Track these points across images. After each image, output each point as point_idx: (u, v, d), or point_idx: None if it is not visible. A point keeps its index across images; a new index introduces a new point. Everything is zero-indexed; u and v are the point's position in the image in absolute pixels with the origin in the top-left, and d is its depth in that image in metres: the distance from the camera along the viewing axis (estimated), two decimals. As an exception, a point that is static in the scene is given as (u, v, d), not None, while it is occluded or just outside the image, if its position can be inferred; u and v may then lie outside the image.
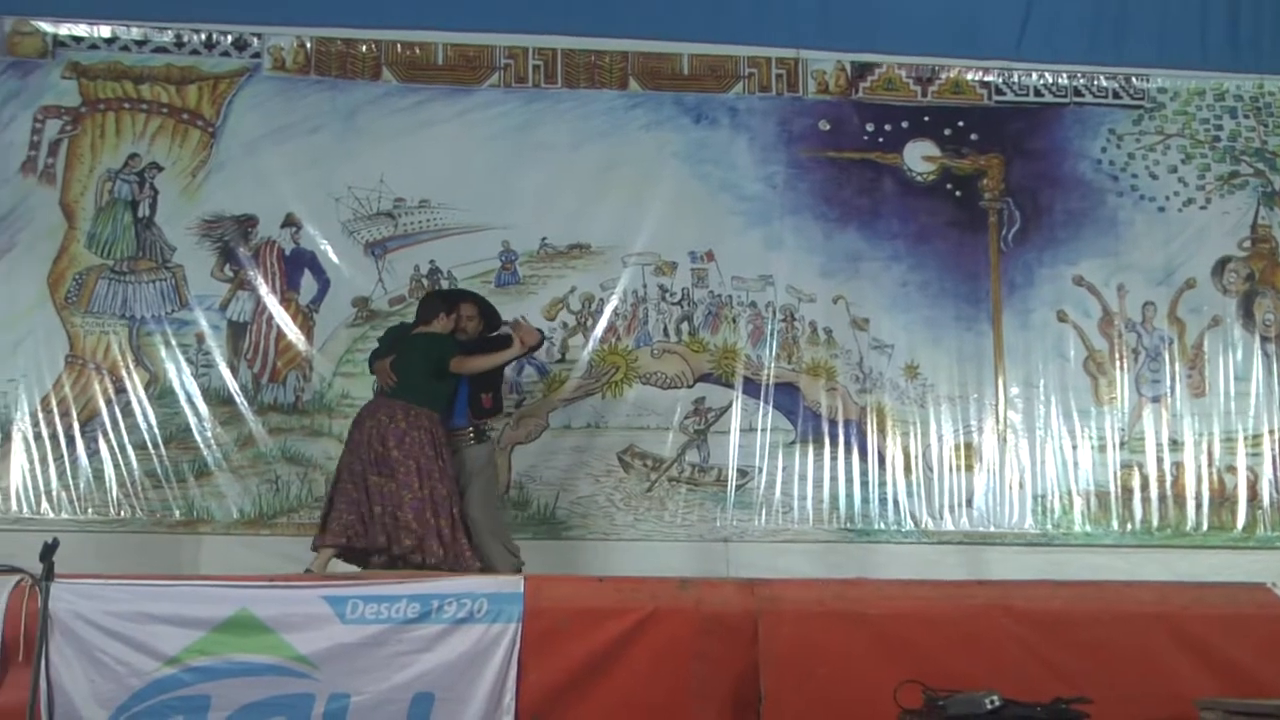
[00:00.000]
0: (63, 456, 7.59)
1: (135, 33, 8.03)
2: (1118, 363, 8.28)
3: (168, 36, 8.05)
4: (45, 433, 7.59)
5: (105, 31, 8.01)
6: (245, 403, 7.81)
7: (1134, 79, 8.50)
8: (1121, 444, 8.20)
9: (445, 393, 6.76)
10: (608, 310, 8.09)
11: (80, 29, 8.00)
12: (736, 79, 8.31)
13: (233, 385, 7.80)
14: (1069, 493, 8.14)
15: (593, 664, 5.03)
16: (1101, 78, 8.49)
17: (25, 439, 7.58)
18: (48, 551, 4.93)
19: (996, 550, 8.00)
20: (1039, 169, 8.42)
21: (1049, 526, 8.12)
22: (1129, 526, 8.13)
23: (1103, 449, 8.20)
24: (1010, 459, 8.17)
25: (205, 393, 7.78)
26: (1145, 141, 8.47)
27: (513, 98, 8.19)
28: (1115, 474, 8.17)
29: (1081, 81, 8.48)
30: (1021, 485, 8.14)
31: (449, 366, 6.70)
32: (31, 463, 7.57)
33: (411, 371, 6.71)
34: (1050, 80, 8.48)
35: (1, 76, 7.86)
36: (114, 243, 7.89)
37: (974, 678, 5.03)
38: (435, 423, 6.63)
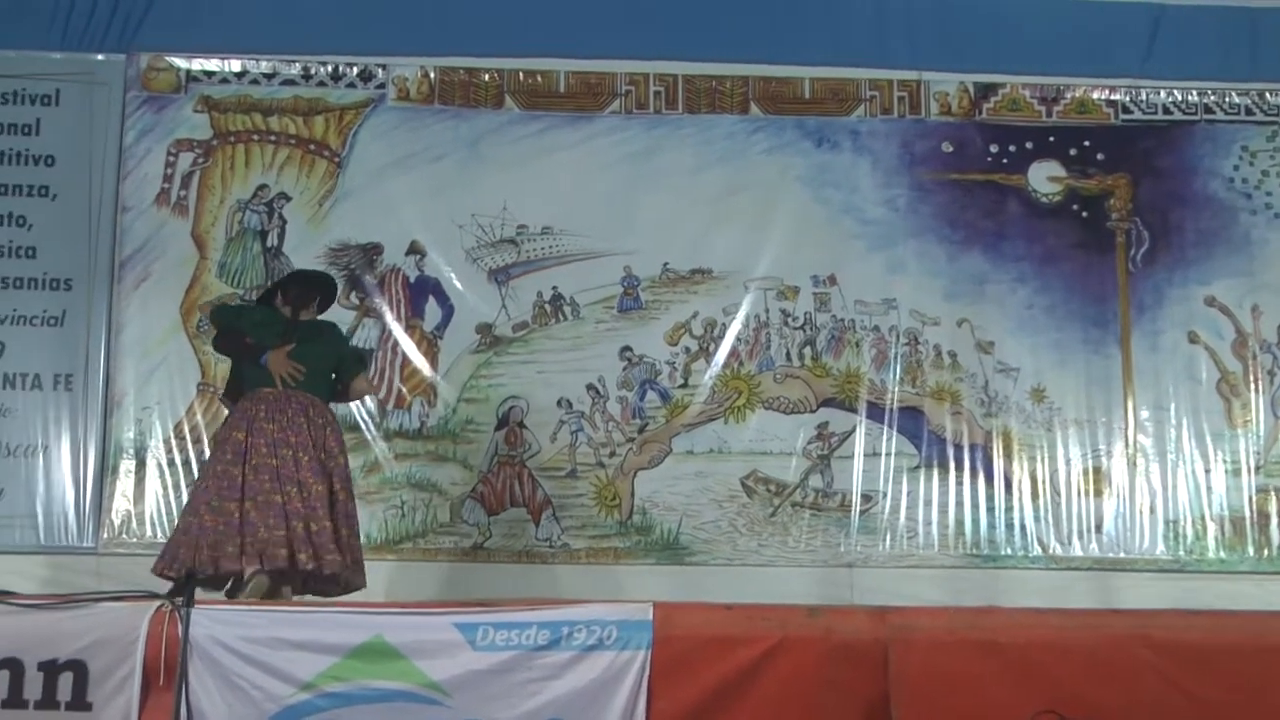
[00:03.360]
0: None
1: (264, 66, 8.18)
2: (1252, 385, 8.08)
3: (295, 69, 8.19)
4: (179, 459, 7.73)
5: (236, 66, 8.17)
6: (371, 429, 7.89)
7: (1268, 94, 8.31)
8: (1257, 468, 8.00)
9: None
10: (730, 335, 8.07)
11: (212, 64, 8.16)
12: (858, 102, 8.27)
13: (359, 412, 7.87)
14: (1202, 518, 7.96)
15: (722, 692, 5.00)
16: (1233, 94, 8.31)
17: (159, 465, 7.73)
18: (188, 578, 5.03)
19: (1127, 577, 7.85)
20: (1168, 188, 8.26)
21: (1181, 553, 7.94)
22: (1265, 553, 7.92)
23: (1237, 473, 8.00)
24: (1140, 483, 8.01)
25: (332, 419, 7.88)
26: (1280, 158, 8.31)
27: (634, 124, 8.22)
28: (1250, 498, 7.97)
29: (1212, 98, 8.31)
30: (1152, 510, 7.98)
31: (352, 377, 6.50)
32: (165, 489, 7.71)
33: (319, 363, 6.34)
34: (1180, 97, 8.32)
35: (137, 112, 8.03)
36: (244, 272, 8.03)
37: (1111, 709, 4.95)
38: None
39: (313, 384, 6.30)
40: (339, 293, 6.85)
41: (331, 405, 6.50)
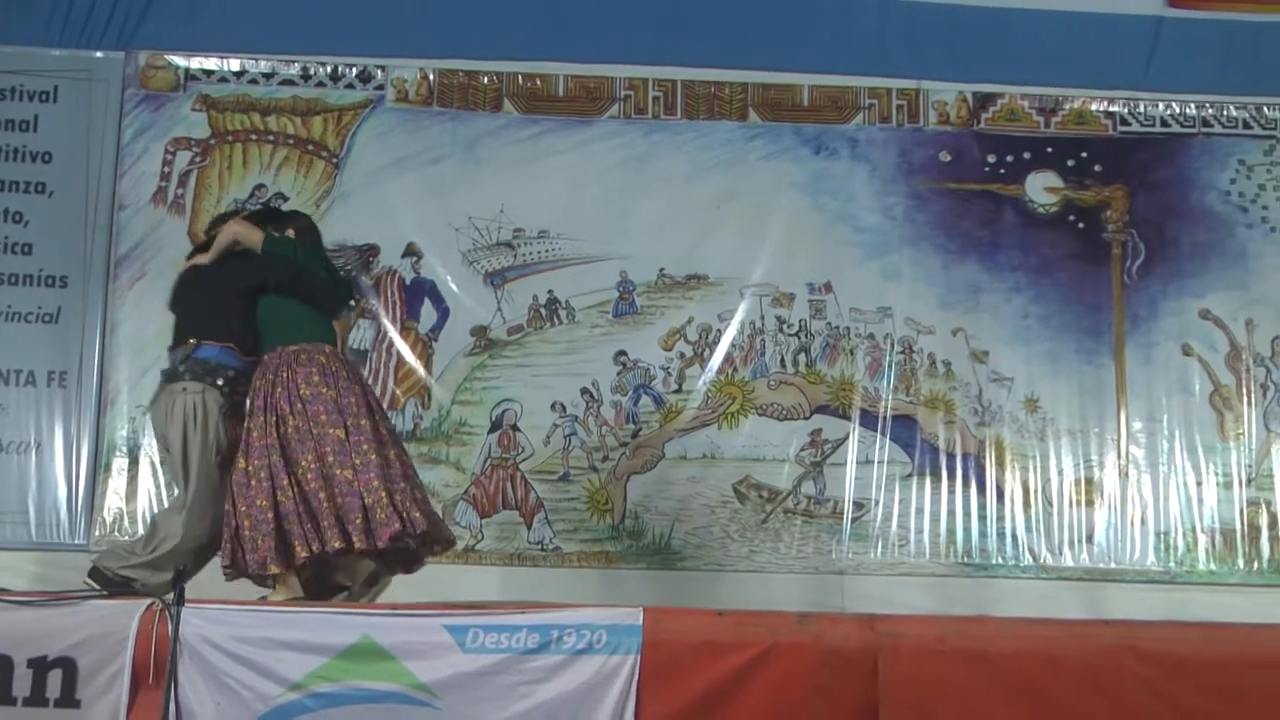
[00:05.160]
0: (187, 481, 7.71)
1: (263, 66, 8.18)
2: (1245, 398, 8.09)
3: (294, 69, 8.19)
4: (171, 458, 7.72)
5: (235, 65, 8.17)
6: (365, 430, 7.88)
7: (1266, 108, 8.31)
8: (1248, 481, 8.01)
9: None
10: (725, 341, 8.08)
11: (211, 63, 8.16)
12: (857, 110, 8.28)
13: (353, 412, 7.86)
14: (1193, 530, 7.97)
15: (711, 697, 4.98)
16: (1231, 107, 8.30)
17: (152, 464, 7.72)
18: (179, 577, 5.04)
19: (1117, 587, 7.87)
20: (1165, 200, 8.27)
21: (1172, 564, 7.95)
22: (1255, 565, 7.94)
23: (1229, 485, 8.02)
24: (1132, 494, 8.03)
25: (327, 419, 7.86)
26: (1276, 173, 8.27)
27: (632, 129, 8.23)
28: (1242, 511, 7.98)
29: (1210, 111, 8.31)
30: (1144, 521, 7.99)
31: None
32: (157, 487, 7.71)
33: None
34: (1178, 110, 8.33)
35: (136, 110, 8.03)
36: (239, 272, 8.02)
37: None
38: None
39: None
40: None
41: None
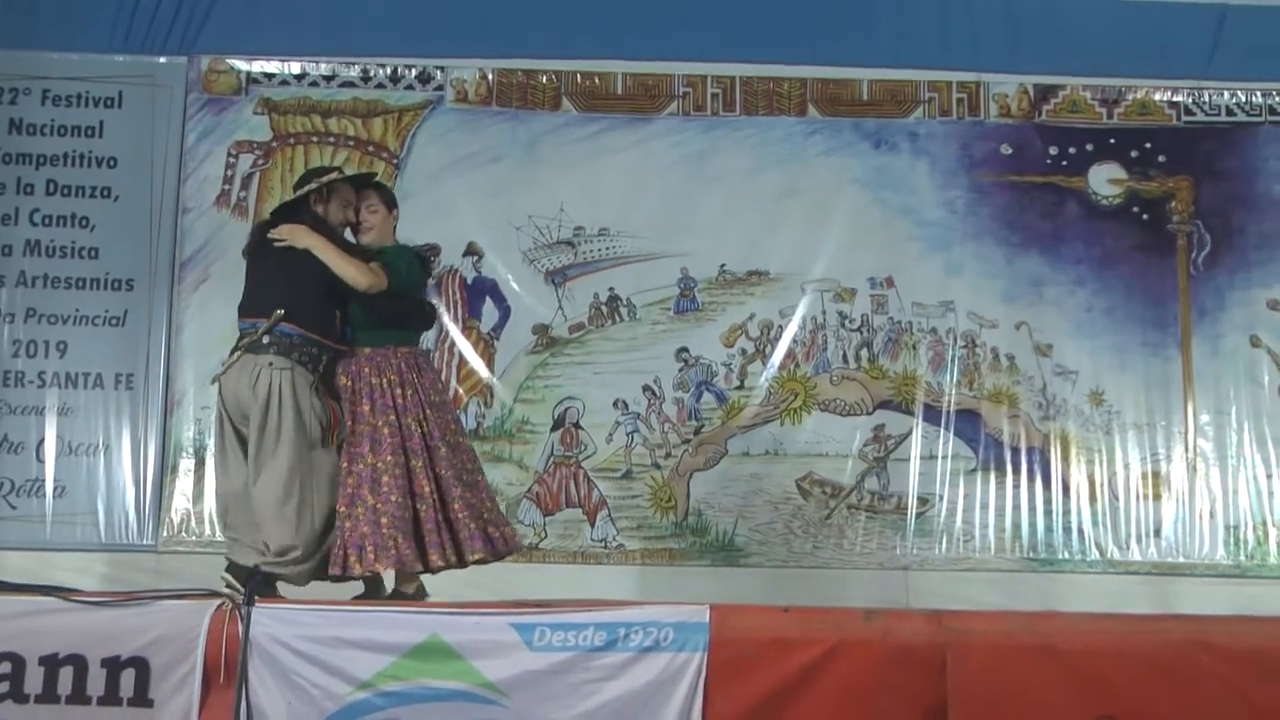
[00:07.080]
0: (253, 482, 7.77)
1: (324, 68, 8.25)
2: (1315, 389, 8.02)
3: (355, 71, 8.25)
4: (237, 459, 7.78)
5: (295, 68, 8.24)
6: (428, 429, 7.92)
7: (1335, 95, 8.25)
8: (1320, 473, 7.94)
9: None
10: (786, 337, 8.07)
11: (272, 66, 8.23)
12: (917, 104, 8.25)
13: (416, 412, 7.91)
14: (1264, 523, 7.91)
15: (779, 694, 4.97)
16: (1298, 94, 8.25)
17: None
18: (250, 577, 5.08)
19: (1186, 582, 7.80)
20: (1231, 190, 8.19)
21: (1242, 558, 7.89)
22: (1328, 559, 7.86)
23: (1300, 478, 7.94)
24: (1200, 488, 7.96)
25: (389, 419, 7.90)
26: (1345, 160, 8.19)
27: (691, 126, 8.23)
28: (1314, 504, 7.91)
29: (1277, 99, 8.23)
30: (1212, 515, 7.93)
31: None
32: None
33: None
34: (1243, 99, 8.25)
35: (199, 114, 8.12)
36: (302, 273, 8.07)
37: (1169, 715, 4.90)
38: None
39: None
40: None
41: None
